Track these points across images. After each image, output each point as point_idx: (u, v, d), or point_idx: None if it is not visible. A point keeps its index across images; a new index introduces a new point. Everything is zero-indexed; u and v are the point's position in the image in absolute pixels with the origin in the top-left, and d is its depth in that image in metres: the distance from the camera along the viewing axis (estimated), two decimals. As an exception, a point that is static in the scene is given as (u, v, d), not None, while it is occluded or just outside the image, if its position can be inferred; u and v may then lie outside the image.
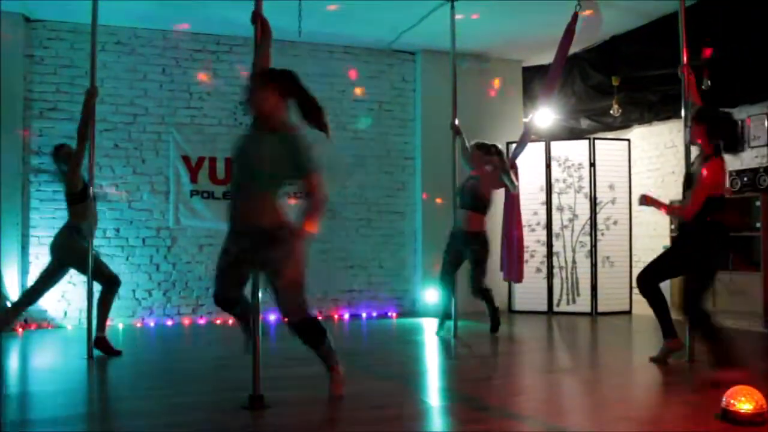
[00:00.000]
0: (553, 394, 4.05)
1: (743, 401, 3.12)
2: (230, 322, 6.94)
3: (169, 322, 6.95)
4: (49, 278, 5.10)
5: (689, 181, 4.36)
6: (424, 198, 7.80)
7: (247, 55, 7.20)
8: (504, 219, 7.51)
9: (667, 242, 7.77)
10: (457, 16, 6.14)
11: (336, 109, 7.68)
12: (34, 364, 5.09)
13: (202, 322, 7.04)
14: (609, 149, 7.55)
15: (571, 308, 7.49)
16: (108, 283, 5.06)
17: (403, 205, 7.89)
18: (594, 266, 7.47)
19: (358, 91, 7.78)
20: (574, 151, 7.63)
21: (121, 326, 6.70)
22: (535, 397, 3.96)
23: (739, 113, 7.95)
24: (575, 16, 6.39)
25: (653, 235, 8.92)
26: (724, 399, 3.19)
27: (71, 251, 4.99)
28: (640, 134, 9.49)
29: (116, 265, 6.85)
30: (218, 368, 4.68)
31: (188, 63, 7.22)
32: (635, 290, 8.20)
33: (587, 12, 6.36)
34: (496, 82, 8.16)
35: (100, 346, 4.95)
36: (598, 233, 7.50)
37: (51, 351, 5.56)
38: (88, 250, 4.88)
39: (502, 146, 7.90)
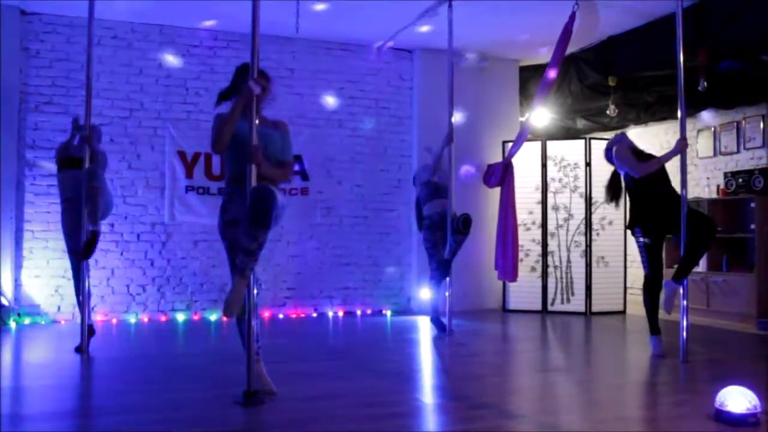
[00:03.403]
0: (547, 393, 4.05)
1: (736, 401, 3.13)
2: (224, 318, 6.94)
3: (163, 318, 6.94)
4: None
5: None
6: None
7: (244, 51, 7.21)
8: (499, 218, 7.54)
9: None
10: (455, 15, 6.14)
11: (333, 106, 7.66)
12: (27, 359, 5.08)
13: (196, 318, 7.02)
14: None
15: (565, 308, 7.51)
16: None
17: (399, 202, 7.88)
18: (589, 266, 7.48)
19: (354, 88, 7.77)
20: (570, 150, 7.64)
21: (114, 321, 6.69)
22: (529, 395, 3.97)
23: (735, 114, 7.98)
24: (573, 16, 6.40)
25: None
26: (717, 399, 3.20)
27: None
28: (636, 134, 9.50)
29: (110, 260, 6.85)
30: (212, 364, 4.67)
31: (185, 58, 7.19)
32: (630, 290, 8.24)
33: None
34: (493, 81, 8.16)
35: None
36: (593, 233, 7.52)
37: (44, 346, 5.54)
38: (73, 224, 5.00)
39: (498, 145, 7.96)
